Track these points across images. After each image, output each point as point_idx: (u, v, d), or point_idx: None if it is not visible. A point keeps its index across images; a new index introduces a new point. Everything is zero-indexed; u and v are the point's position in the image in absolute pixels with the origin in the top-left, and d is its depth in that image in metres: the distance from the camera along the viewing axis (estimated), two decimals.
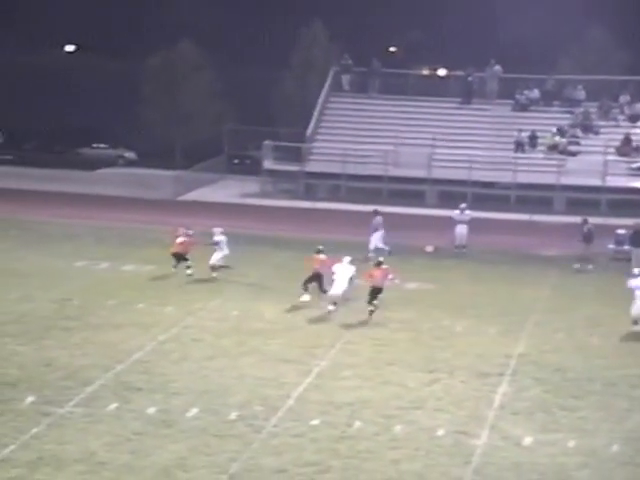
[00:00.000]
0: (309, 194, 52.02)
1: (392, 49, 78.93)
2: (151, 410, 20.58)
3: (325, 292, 28.50)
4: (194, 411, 20.67)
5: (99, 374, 22.47)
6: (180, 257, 31.75)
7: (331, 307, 27.91)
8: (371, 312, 27.73)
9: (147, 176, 56.80)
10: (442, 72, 64.96)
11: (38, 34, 72.82)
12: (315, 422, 20.49)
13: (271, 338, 25.99)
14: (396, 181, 51.40)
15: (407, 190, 51.08)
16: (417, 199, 50.74)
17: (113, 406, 20.78)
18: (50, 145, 64.91)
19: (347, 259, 28.55)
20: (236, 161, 60.08)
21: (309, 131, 54.76)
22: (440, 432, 20.11)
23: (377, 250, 36.20)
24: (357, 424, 20.51)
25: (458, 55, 63.04)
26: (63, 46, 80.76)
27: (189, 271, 31.53)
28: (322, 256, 29.15)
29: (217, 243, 32.02)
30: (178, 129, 62.70)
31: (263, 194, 52.61)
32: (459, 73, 57.99)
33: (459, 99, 56.59)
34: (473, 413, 21.21)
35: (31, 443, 18.84)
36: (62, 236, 37.52)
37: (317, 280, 28.85)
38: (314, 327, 27.27)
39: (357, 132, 54.35)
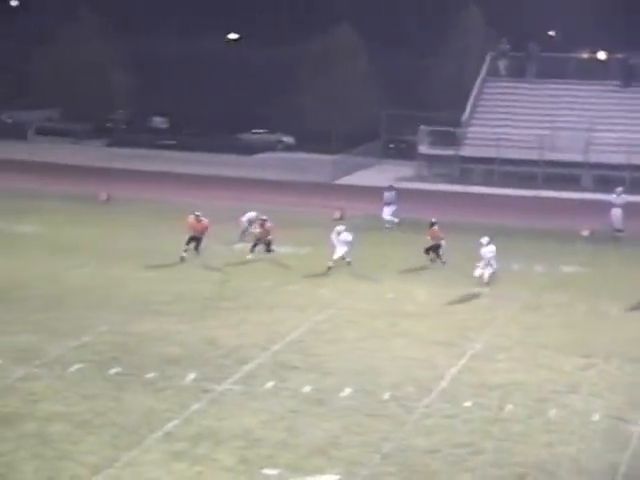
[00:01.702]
0: (464, 178, 51.57)
1: (550, 33, 77.35)
2: (306, 389, 20.83)
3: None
4: (347, 391, 20.83)
5: (256, 353, 22.87)
6: (194, 240, 31.61)
7: (330, 264, 30.56)
8: (432, 260, 31.68)
9: (305, 160, 57.25)
10: (602, 55, 63.31)
11: (201, 23, 74.13)
12: (468, 404, 20.41)
13: (424, 320, 25.99)
14: (551, 165, 50.47)
15: (562, 174, 50.10)
16: (572, 183, 49.72)
17: (270, 384, 21.12)
18: (212, 130, 66.06)
19: (341, 227, 31.03)
20: (392, 145, 59.96)
21: (464, 116, 54.26)
22: (595, 417, 19.75)
23: (388, 221, 38.08)
24: (510, 407, 20.35)
25: (618, 38, 61.33)
26: (226, 34, 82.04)
27: (184, 254, 31.36)
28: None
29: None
30: (335, 114, 62.91)
31: (418, 178, 52.43)
32: (619, 56, 56.44)
33: (618, 82, 55.09)
34: (630, 399, 20.75)
35: (192, 418, 19.34)
36: (220, 219, 38.17)
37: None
38: (466, 310, 27.15)
39: (513, 116, 53.57)
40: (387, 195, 38.98)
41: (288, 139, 66.47)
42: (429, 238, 31.99)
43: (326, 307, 26.99)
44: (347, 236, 30.84)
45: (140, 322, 24.99)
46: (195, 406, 19.88)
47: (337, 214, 39.29)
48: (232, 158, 57.25)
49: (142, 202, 41.81)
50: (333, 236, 30.91)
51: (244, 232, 33.92)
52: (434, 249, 31.85)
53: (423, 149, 53.62)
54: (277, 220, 38.13)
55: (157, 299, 27.18)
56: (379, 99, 60.62)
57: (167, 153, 58.86)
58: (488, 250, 29.59)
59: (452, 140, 52.95)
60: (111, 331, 24.25)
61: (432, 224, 32.12)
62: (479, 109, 55.19)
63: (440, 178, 52.25)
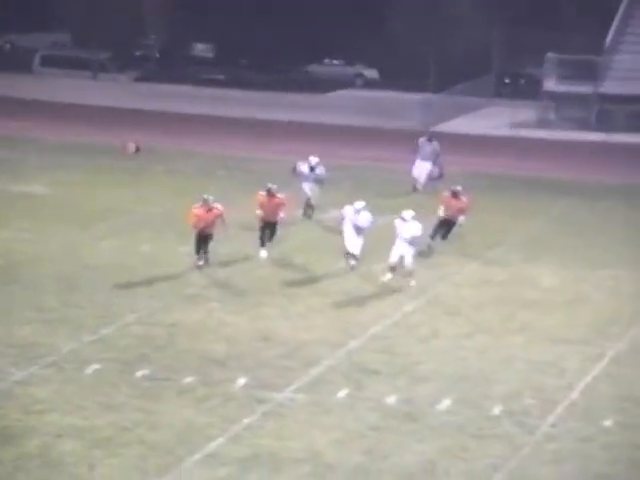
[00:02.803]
0: (604, 123, 51.11)
1: None
2: (391, 399, 20.83)
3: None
4: (446, 403, 20.81)
5: (327, 352, 22.90)
6: (205, 239, 28.13)
7: (353, 262, 28.40)
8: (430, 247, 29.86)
9: (391, 100, 57.26)
10: None
11: None
12: (608, 423, 20.28)
13: (549, 312, 25.85)
14: None
15: None
16: None
17: (344, 393, 21.17)
18: (271, 61, 66.27)
19: (360, 204, 28.34)
20: (507, 81, 59.66)
21: (608, 40, 53.71)
22: None
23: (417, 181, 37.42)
24: None
25: None
26: None
27: (200, 262, 28.22)
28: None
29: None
30: (433, 39, 62.64)
31: (542, 123, 52.14)
32: None
33: None
34: None
35: (243, 436, 19.45)
36: (279, 178, 38.27)
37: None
38: (607, 299, 26.98)
39: None
40: (424, 147, 37.89)
41: (370, 73, 66.38)
42: (444, 210, 29.87)
43: (419, 293, 26.99)
44: (366, 218, 28.48)
45: (177, 310, 25.19)
46: (246, 420, 19.99)
47: (435, 171, 39.15)
48: (297, 97, 57.40)
49: (182, 155, 42.13)
50: (346, 213, 28.62)
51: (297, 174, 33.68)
52: (448, 226, 30.14)
53: (550, 85, 53.25)
54: (354, 179, 38.18)
55: (199, 281, 27.37)
56: (491, 19, 60.15)
57: (213, 91, 59.17)
58: (410, 228, 27.35)
59: (590, 73, 52.45)
60: (139, 322, 24.46)
61: (456, 193, 30.07)
62: (628, 31, 54.59)
63: (572, 123, 51.85)
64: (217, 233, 28.25)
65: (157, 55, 68.56)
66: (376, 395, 21.11)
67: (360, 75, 66.37)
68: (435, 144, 37.99)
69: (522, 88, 58.05)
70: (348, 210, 28.55)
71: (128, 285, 26.96)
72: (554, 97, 53.22)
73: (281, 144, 44.66)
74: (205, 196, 28.06)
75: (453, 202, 29.91)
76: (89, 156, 41.23)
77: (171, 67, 65.20)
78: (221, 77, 64.02)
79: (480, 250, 30.77)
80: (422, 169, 37.59)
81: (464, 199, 30.12)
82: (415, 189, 37.24)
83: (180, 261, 28.93)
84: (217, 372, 22.03)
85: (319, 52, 66.81)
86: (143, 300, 25.82)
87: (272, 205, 29.09)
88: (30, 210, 33.56)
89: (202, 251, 28.02)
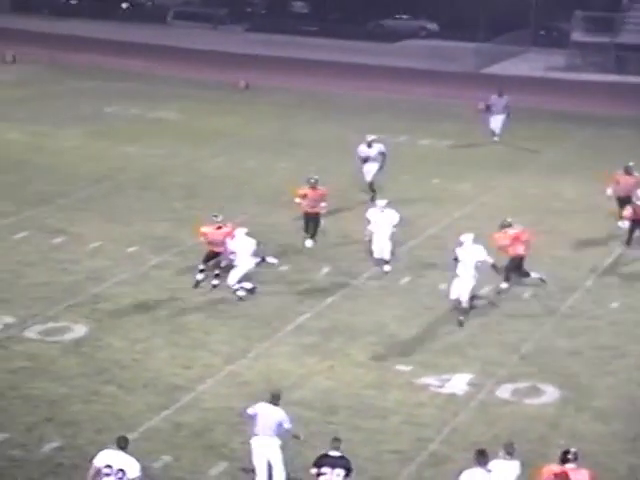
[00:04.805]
0: (620, 67, 49.95)
1: None
2: (443, 286, 20.76)
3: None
4: (486, 288, 20.72)
5: (393, 248, 22.83)
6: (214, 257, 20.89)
7: (387, 268, 21.61)
8: None
9: (448, 48, 56.33)
10: None
11: None
12: (615, 305, 20.13)
13: (570, 218, 25.52)
14: None
15: None
16: None
17: (406, 280, 21.18)
18: (354, 16, 65.39)
19: (382, 203, 21.96)
20: (542, 32, 58.39)
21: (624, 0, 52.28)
22: None
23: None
24: None
25: None
26: None
27: (215, 281, 20.60)
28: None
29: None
30: None
31: (570, 67, 51.07)
32: None
33: None
34: None
35: (325, 312, 19.60)
36: (361, 109, 38.00)
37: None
38: (616, 208, 26.48)
39: None
40: (497, 102, 33.89)
41: (432, 26, 65.36)
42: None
43: (466, 202, 26.76)
44: (392, 217, 21.76)
45: (274, 214, 25.20)
46: (328, 300, 20.11)
47: (481, 105, 38.57)
48: (374, 45, 56.71)
49: (281, 91, 41.87)
50: (371, 215, 21.92)
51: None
52: None
53: (576, 36, 52.02)
54: (418, 111, 37.79)
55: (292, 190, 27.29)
56: None
57: (308, 40, 58.61)
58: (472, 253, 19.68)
59: (608, 26, 51.20)
60: (247, 223, 24.43)
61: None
62: None
63: (594, 67, 50.77)
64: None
65: (263, 11, 68.05)
66: (431, 282, 21.11)
67: (423, 28, 65.31)
68: (506, 97, 34.20)
69: (554, 39, 56.79)
70: (372, 212, 22.10)
71: (237, 192, 27.07)
72: (580, 46, 52.05)
73: (360, 82, 44.26)
74: (215, 215, 21.22)
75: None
76: (208, 90, 41.15)
77: (274, 20, 64.68)
78: (314, 29, 63.40)
79: (517, 167, 30.39)
80: (497, 121, 33.87)
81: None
82: (494, 136, 33.52)
83: (277, 173, 28.82)
84: (306, 263, 22.15)
85: (391, 9, 65.87)
86: (249, 204, 25.91)
87: (315, 196, 23.33)
88: (160, 132, 33.66)
89: (207, 266, 20.79)
